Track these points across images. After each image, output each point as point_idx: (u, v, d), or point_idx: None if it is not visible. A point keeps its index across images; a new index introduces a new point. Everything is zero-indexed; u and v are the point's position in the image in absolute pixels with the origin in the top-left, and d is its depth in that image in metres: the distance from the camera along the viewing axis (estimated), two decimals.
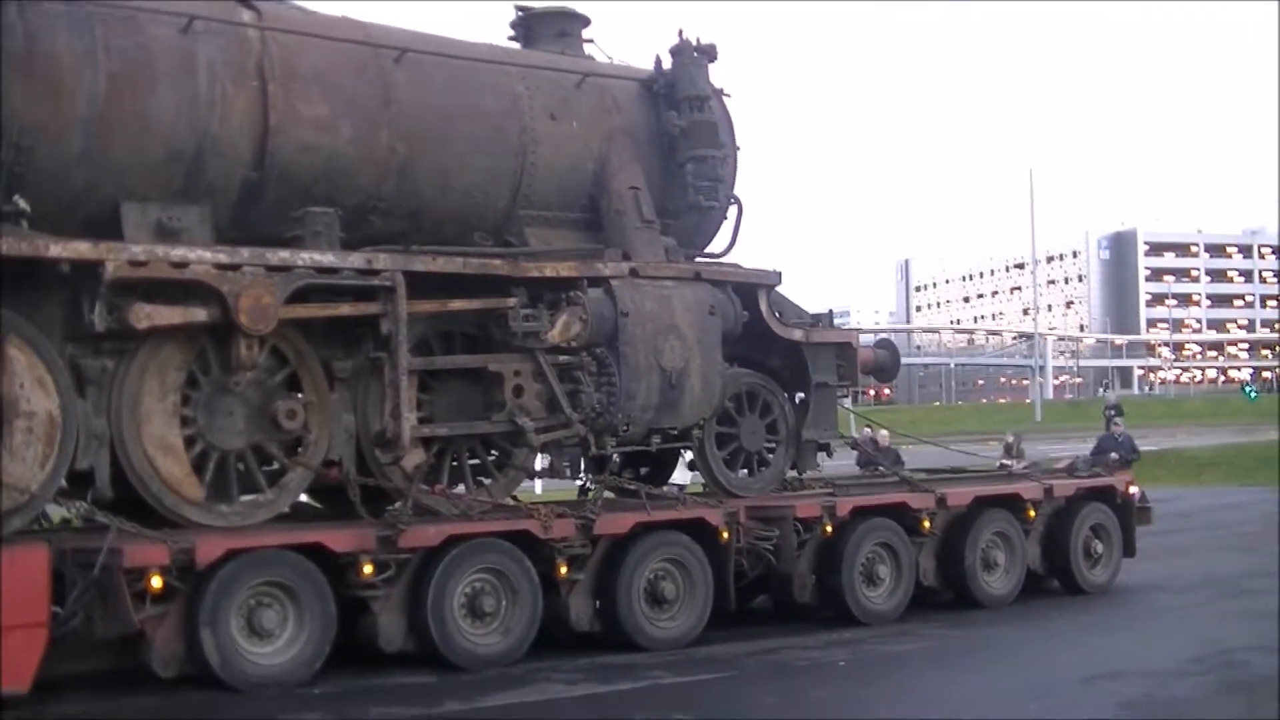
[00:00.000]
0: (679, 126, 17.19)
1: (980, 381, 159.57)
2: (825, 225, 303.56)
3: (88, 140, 13.52)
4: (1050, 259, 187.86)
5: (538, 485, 25.11)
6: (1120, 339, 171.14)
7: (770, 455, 17.81)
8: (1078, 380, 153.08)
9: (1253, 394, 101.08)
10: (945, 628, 16.97)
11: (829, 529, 16.87)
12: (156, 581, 12.70)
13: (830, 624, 16.89)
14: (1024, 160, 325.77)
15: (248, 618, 13.24)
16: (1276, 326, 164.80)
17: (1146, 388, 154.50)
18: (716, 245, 18.26)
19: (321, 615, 13.53)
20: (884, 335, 26.48)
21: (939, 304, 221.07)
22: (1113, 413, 43.10)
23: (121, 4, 13.79)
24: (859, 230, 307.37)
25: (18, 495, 12.75)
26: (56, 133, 13.37)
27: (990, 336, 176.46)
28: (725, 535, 15.97)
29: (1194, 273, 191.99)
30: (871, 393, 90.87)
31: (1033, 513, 18.87)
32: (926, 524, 17.72)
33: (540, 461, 16.81)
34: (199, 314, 13.52)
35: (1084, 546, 19.39)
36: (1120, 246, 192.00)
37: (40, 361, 12.95)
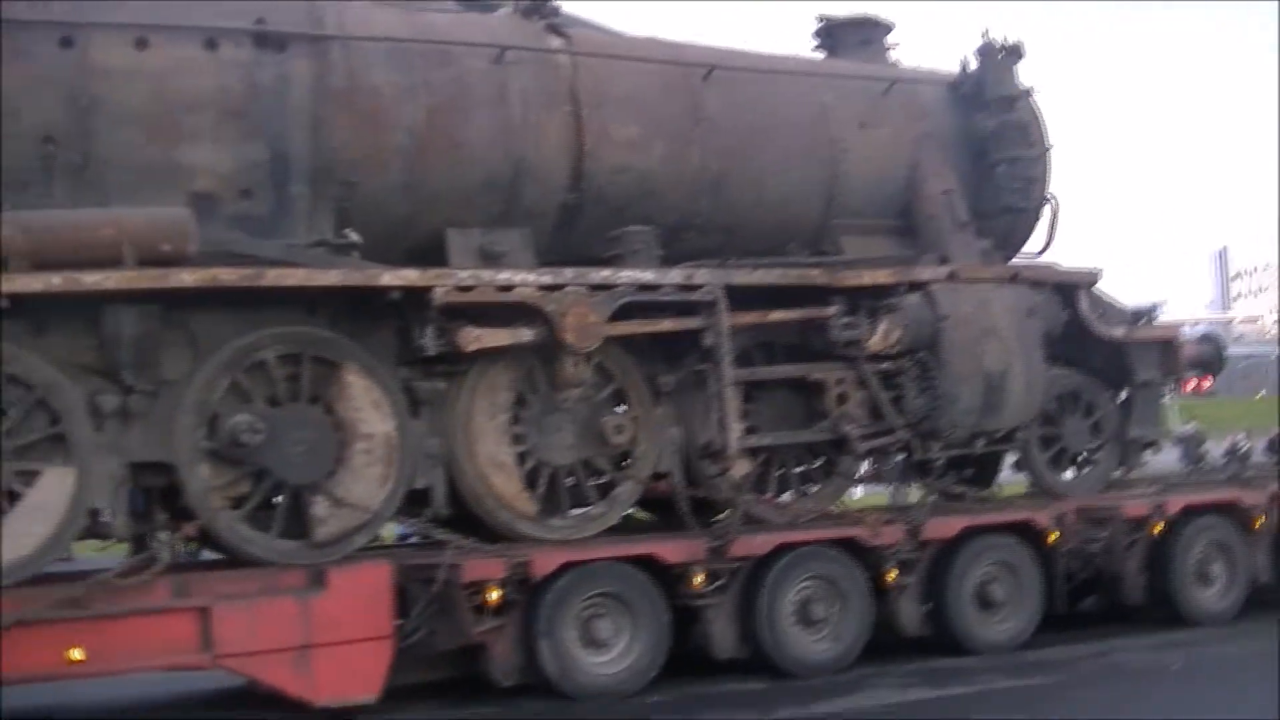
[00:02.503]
0: (988, 128, 17.07)
1: None
2: (1136, 216, 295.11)
3: (408, 171, 13.94)
4: None
5: (858, 491, 25.06)
6: None
7: (1095, 455, 17.61)
8: None
9: None
10: None
11: (1159, 528, 16.54)
12: (494, 595, 13.00)
13: (1162, 625, 16.54)
14: None
15: (583, 628, 13.50)
16: None
17: None
18: (1031, 245, 18.05)
19: (655, 625, 13.75)
20: (1206, 329, 25.83)
21: (1258, 291, 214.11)
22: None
23: (436, 39, 14.25)
24: (1171, 219, 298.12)
25: (361, 514, 13.23)
26: (378, 165, 13.80)
27: None
28: (1054, 536, 15.81)
29: None
30: (1190, 386, 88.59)
31: None
32: (1259, 521, 17.29)
33: (863, 468, 16.83)
34: (525, 335, 13.82)
35: None
36: None
37: (376, 386, 13.39)
